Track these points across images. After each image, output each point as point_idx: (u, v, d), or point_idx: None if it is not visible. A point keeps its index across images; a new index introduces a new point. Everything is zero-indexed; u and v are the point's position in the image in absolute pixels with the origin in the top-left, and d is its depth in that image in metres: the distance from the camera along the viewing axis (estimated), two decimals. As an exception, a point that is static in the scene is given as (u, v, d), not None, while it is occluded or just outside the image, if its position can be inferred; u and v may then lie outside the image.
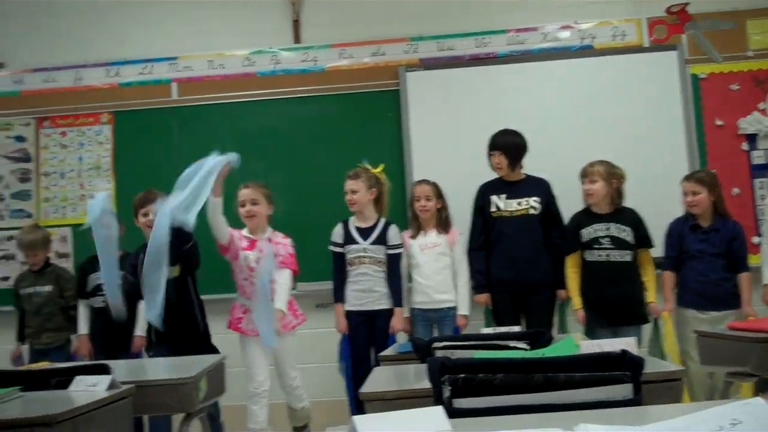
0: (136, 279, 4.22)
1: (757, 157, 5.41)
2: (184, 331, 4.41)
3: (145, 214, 4.55)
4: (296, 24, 5.94)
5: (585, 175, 4.77)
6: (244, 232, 4.56)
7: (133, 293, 4.31)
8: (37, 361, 3.93)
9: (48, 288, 5.12)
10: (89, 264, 5.02)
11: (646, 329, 4.72)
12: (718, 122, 5.48)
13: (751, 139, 5.46)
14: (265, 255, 4.39)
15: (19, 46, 6.08)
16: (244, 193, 4.55)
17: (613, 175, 4.76)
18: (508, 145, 4.87)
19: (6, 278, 5.68)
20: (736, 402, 1.31)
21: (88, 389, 2.57)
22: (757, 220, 5.32)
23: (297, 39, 5.93)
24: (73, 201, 5.86)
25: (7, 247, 5.83)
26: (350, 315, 4.80)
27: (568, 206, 4.91)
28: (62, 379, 2.70)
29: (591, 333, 4.58)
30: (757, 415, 1.26)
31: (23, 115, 5.97)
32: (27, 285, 5.11)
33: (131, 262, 4.46)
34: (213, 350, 4.39)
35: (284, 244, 4.58)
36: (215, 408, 4.62)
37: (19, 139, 5.96)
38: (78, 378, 2.64)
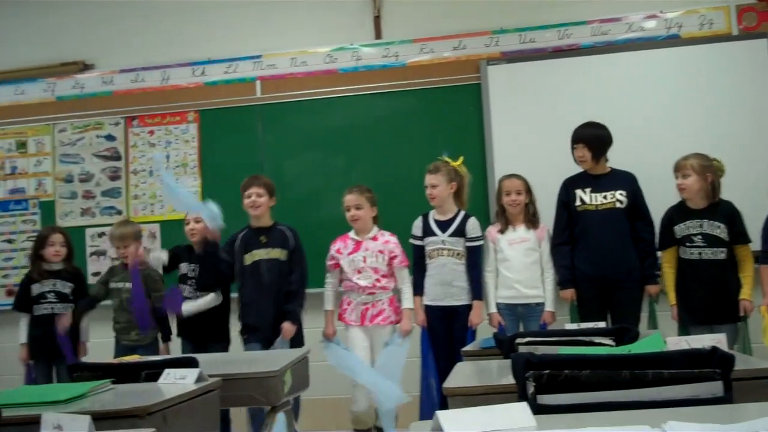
0: (232, 259, 4.82)
1: None
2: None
3: (248, 196, 4.85)
4: (377, 20, 5.96)
5: (677, 168, 4.62)
6: (351, 234, 4.90)
7: (227, 274, 4.85)
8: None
9: None
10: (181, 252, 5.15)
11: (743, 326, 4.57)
12: (812, 112, 5.28)
13: None
14: None
15: (108, 48, 6.25)
16: (349, 199, 4.85)
17: (708, 169, 4.58)
18: (592, 138, 4.79)
19: (97, 273, 5.85)
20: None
21: (177, 382, 2.63)
22: None
23: (378, 35, 5.95)
24: (161, 198, 6.01)
25: (98, 243, 6.02)
26: (429, 309, 4.81)
27: (658, 200, 4.80)
28: (152, 372, 2.78)
29: (684, 330, 4.47)
30: None
31: (113, 115, 6.15)
32: (117, 279, 5.24)
33: (229, 242, 4.87)
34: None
35: (394, 242, 4.87)
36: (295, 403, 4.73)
37: (110, 138, 6.14)
38: (167, 371, 2.71)
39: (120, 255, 5.26)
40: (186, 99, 6.06)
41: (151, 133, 6.08)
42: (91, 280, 5.72)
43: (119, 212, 6.04)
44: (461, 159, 4.92)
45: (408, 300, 4.81)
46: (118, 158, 6.10)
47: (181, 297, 4.92)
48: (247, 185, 4.89)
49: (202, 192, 5.91)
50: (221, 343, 4.99)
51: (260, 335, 4.75)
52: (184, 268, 5.09)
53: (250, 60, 6.00)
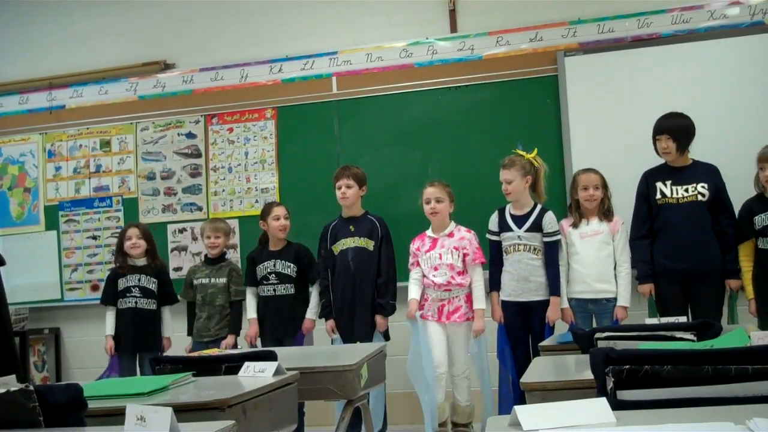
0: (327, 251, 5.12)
1: None
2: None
3: (339, 188, 5.06)
4: (452, 13, 5.94)
5: (766, 159, 4.51)
6: (428, 231, 4.93)
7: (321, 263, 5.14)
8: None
9: (222, 280, 5.34)
10: (257, 253, 5.26)
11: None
12: None
13: None
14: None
15: (188, 47, 6.38)
16: (430, 192, 4.87)
17: None
18: (676, 129, 4.68)
19: (178, 269, 5.98)
20: None
21: (256, 375, 2.67)
22: None
23: (453, 28, 5.92)
24: (240, 194, 6.11)
25: (179, 239, 6.15)
26: (506, 305, 4.79)
27: (741, 193, 4.68)
28: (232, 365, 2.83)
29: (764, 324, 4.36)
30: None
31: (193, 113, 6.27)
32: (200, 275, 5.36)
33: (321, 237, 5.18)
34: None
35: (469, 238, 4.86)
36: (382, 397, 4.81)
37: (190, 135, 6.26)
38: (247, 364, 2.75)
39: (209, 245, 5.39)
40: (264, 96, 6.14)
41: (231, 130, 6.18)
42: (173, 275, 5.85)
43: (200, 208, 6.16)
44: (535, 151, 4.87)
45: (479, 300, 4.79)
46: (198, 155, 6.22)
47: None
48: (338, 177, 5.07)
49: (279, 188, 5.99)
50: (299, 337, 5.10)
51: (341, 325, 4.98)
52: (263, 269, 5.20)
53: (326, 56, 6.04)
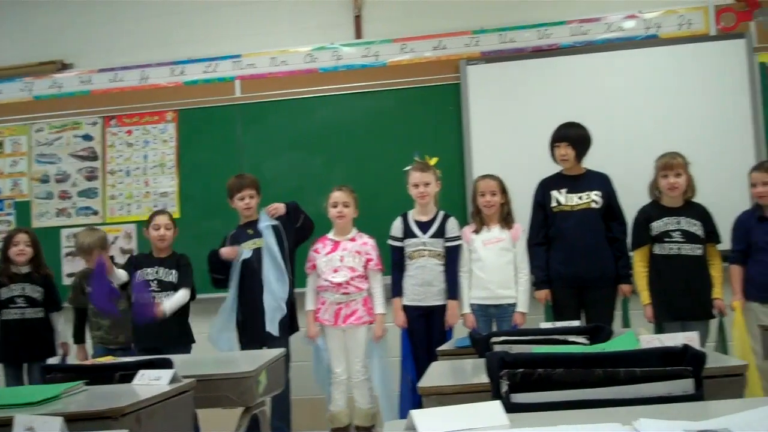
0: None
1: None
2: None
3: (242, 198, 5.02)
4: (358, 19, 5.95)
5: (669, 167, 4.66)
6: (330, 234, 4.94)
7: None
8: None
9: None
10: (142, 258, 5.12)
11: (715, 324, 4.62)
12: (787, 112, 5.32)
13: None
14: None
15: (86, 46, 6.22)
16: (338, 195, 4.91)
17: (688, 167, 4.67)
18: (576, 137, 4.80)
19: (72, 274, 5.80)
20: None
21: (152, 383, 2.61)
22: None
23: (359, 34, 5.94)
24: (138, 198, 5.98)
25: (73, 243, 5.97)
26: (408, 310, 4.82)
27: (634, 201, 4.82)
28: (126, 374, 2.75)
29: (659, 328, 4.50)
30: (824, 411, 1.22)
31: (91, 115, 6.11)
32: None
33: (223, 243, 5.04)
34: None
35: (372, 244, 4.91)
36: (285, 402, 4.75)
37: (87, 137, 6.10)
38: (141, 372, 2.69)
39: (88, 265, 5.17)
40: (164, 98, 6.03)
41: (129, 132, 6.05)
42: (67, 281, 5.68)
43: (95, 212, 6.00)
44: (436, 159, 4.92)
45: (380, 305, 4.84)
46: (95, 158, 6.06)
47: (150, 300, 4.82)
48: (239, 188, 5.02)
49: (179, 191, 5.90)
50: (185, 346, 4.92)
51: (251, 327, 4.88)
52: (145, 274, 4.99)
53: (229, 59, 5.97)
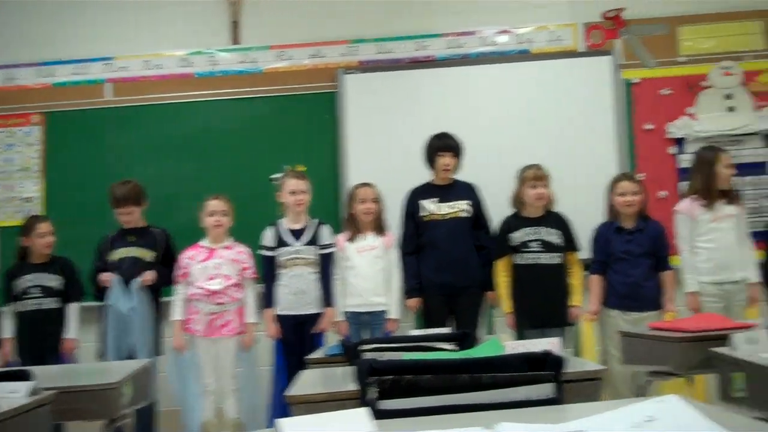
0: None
1: (684, 161, 5.44)
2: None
3: (121, 215, 4.96)
4: (235, 25, 5.89)
5: (537, 178, 4.80)
6: (203, 242, 4.85)
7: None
8: None
9: None
10: (16, 269, 4.95)
11: (573, 330, 4.80)
12: (648, 126, 5.55)
13: (679, 143, 5.55)
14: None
15: (-52, 44, 5.92)
16: (216, 204, 4.84)
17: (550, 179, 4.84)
18: (458, 147, 4.89)
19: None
20: (652, 399, 1.32)
21: (8, 396, 2.49)
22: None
23: (236, 40, 5.88)
24: (2, 203, 5.73)
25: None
26: (282, 319, 4.79)
27: (501, 210, 4.94)
28: (-19, 387, 2.62)
29: (520, 335, 4.62)
30: (672, 411, 1.27)
31: (-48, 115, 5.82)
32: None
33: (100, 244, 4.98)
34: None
35: (247, 252, 4.87)
36: (149, 415, 4.62)
37: (-53, 139, 5.80)
38: (-3, 384, 2.56)
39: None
40: (31, 100, 5.80)
41: (-8, 135, 5.79)
42: None
43: (-44, 217, 5.72)
44: (304, 167, 4.94)
45: (251, 314, 4.80)
46: (-45, 160, 5.77)
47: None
48: (121, 202, 4.92)
49: (46, 197, 5.68)
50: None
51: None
52: (26, 281, 4.87)
53: (100, 61, 5.81)
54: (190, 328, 4.75)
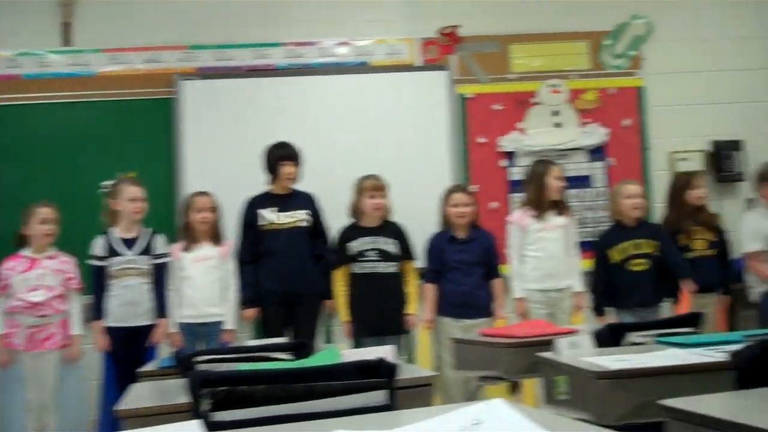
0: None
1: (515, 174, 5.69)
2: None
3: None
4: (67, 27, 5.66)
5: (376, 188, 4.87)
6: (25, 252, 4.66)
7: None
8: None
9: None
10: None
11: (409, 338, 4.90)
12: (481, 140, 5.77)
13: (510, 156, 5.78)
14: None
15: None
16: (46, 212, 4.66)
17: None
18: (299, 157, 4.90)
19: None
20: (479, 403, 1.37)
21: None
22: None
23: (67, 42, 5.65)
24: None
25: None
26: (112, 331, 4.66)
27: (339, 220, 4.98)
28: None
29: (358, 343, 4.68)
30: (497, 414, 1.32)
31: None
32: None
33: None
34: None
35: (72, 262, 4.73)
36: None
37: None
38: None
39: None
40: None
41: None
42: None
43: None
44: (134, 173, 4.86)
45: (77, 326, 4.67)
46: None
47: None
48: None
49: None
50: None
51: None
52: None
53: None
54: (11, 343, 4.55)
